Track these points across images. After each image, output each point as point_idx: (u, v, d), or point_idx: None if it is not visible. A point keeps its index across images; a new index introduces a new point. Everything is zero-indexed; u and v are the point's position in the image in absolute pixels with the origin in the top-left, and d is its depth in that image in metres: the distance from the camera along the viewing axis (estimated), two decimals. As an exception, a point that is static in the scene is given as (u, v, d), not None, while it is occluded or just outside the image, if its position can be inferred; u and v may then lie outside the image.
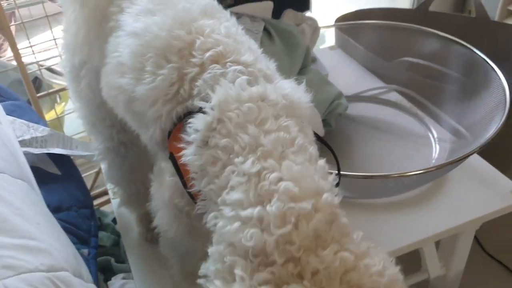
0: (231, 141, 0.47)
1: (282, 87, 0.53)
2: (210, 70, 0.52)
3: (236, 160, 0.46)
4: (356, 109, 1.15)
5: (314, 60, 1.23)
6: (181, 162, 0.51)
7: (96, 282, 0.67)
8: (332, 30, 1.40)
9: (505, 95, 0.85)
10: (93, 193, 1.36)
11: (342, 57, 1.37)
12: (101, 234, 1.19)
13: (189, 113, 0.53)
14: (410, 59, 1.17)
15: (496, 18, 1.64)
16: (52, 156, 0.79)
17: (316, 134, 0.57)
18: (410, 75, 1.16)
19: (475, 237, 1.29)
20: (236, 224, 0.42)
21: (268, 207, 0.41)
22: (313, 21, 1.12)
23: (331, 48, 1.42)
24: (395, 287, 0.42)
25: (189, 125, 0.50)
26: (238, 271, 0.40)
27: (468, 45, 0.97)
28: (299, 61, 1.00)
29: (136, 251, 0.83)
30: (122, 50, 0.58)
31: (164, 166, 0.57)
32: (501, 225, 1.34)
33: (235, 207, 0.43)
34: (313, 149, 0.50)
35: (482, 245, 1.27)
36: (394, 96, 1.18)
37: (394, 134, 1.07)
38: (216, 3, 0.63)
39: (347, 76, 1.28)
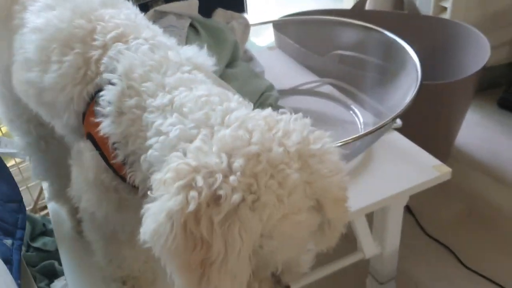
0: (140, 96, 0.51)
1: (185, 52, 0.57)
2: (113, 49, 0.56)
3: (148, 101, 0.50)
4: (291, 101, 1.19)
5: (251, 58, 1.27)
6: (100, 135, 0.53)
7: (18, 270, 0.68)
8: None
9: (417, 71, 0.89)
10: (40, 203, 1.36)
11: (280, 56, 1.41)
12: (46, 239, 1.19)
13: (100, 90, 0.55)
14: (340, 52, 1.22)
15: (430, 14, 1.71)
16: (-22, 154, 0.80)
17: None
18: (341, 67, 1.22)
19: (416, 220, 1.33)
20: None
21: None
22: (243, 19, 1.16)
23: (270, 48, 1.46)
24: None
25: (101, 98, 0.53)
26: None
27: (381, 30, 1.02)
28: (227, 55, 1.03)
29: (67, 243, 0.84)
30: (27, 46, 0.60)
31: (82, 146, 0.58)
32: (441, 207, 1.39)
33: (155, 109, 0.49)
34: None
35: (423, 228, 1.31)
36: (327, 89, 1.22)
37: (326, 123, 1.11)
38: None
39: (285, 72, 1.32)
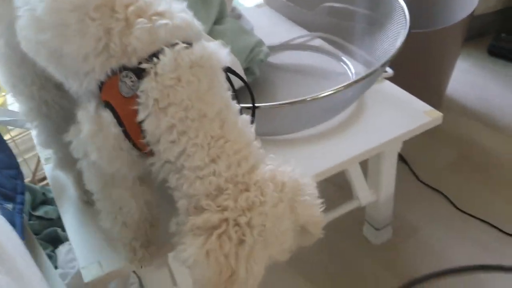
0: (182, 112, 0.55)
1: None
2: (138, 26, 0.56)
3: (190, 134, 0.56)
4: (282, 57, 1.19)
5: (239, 16, 1.26)
6: (125, 113, 0.57)
7: (21, 231, 0.70)
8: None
9: (405, 17, 0.89)
10: (38, 174, 1.37)
11: (269, 13, 1.40)
12: (47, 207, 1.21)
13: (124, 68, 0.57)
14: (328, 4, 1.21)
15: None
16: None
17: (229, 69, 0.64)
18: (330, 20, 1.21)
19: (410, 168, 1.35)
20: (199, 182, 0.56)
21: (219, 163, 0.56)
22: (229, -24, 1.14)
23: (258, 6, 1.45)
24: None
25: (141, 90, 0.56)
26: (203, 202, 0.55)
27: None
28: (214, 12, 1.02)
29: (71, 213, 0.85)
30: (35, 3, 0.58)
31: (103, 114, 0.59)
32: (433, 154, 1.42)
33: (196, 171, 0.56)
34: (234, 103, 0.60)
35: (416, 175, 1.33)
36: (317, 42, 1.22)
37: (317, 76, 1.11)
38: None
39: (274, 29, 1.31)
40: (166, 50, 0.56)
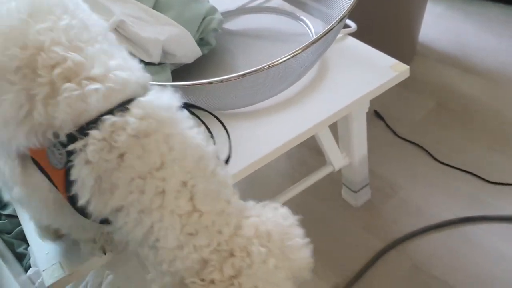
0: (134, 194, 0.49)
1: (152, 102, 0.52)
2: (66, 93, 0.48)
3: (153, 217, 0.49)
4: (239, 22, 1.13)
5: (191, -17, 1.19)
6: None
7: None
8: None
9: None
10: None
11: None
12: (15, 206, 1.17)
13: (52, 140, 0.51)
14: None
15: None
16: None
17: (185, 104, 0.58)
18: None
19: (386, 124, 1.31)
20: (179, 261, 0.50)
21: (198, 238, 0.50)
22: None
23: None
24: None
25: (73, 176, 0.50)
26: (188, 280, 0.49)
27: None
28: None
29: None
30: None
31: (33, 174, 0.54)
32: (411, 107, 1.37)
33: (174, 251, 0.50)
34: (207, 157, 0.53)
35: (394, 130, 1.29)
36: (276, 2, 1.15)
37: (277, 40, 1.05)
38: None
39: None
40: (93, 134, 0.48)
